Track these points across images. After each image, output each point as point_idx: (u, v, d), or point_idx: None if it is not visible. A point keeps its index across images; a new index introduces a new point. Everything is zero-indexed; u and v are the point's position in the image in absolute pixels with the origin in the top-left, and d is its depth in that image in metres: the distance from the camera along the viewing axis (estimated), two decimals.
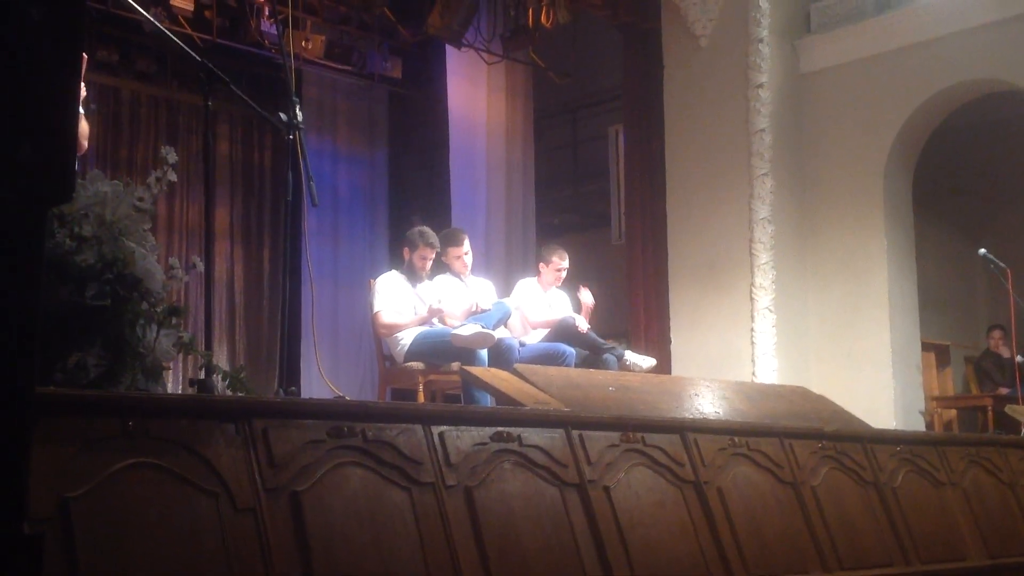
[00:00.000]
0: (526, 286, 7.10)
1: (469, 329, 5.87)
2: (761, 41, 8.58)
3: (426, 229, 6.52)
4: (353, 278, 9.90)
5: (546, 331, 6.80)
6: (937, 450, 4.56)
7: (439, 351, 6.04)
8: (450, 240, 6.63)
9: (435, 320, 6.27)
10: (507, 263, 10.27)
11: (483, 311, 6.20)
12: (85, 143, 4.24)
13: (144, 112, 9.67)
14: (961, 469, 4.59)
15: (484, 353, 5.91)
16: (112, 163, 9.17)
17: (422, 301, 6.29)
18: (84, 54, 2.56)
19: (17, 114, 1.79)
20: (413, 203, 10.70)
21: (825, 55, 8.70)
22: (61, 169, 1.94)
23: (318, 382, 7.21)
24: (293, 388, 3.32)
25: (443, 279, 6.62)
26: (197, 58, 3.24)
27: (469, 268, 6.70)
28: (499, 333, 6.22)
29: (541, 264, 7.15)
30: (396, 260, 6.80)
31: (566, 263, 7.03)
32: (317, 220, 9.71)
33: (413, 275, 6.38)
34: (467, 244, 6.67)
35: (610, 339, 6.85)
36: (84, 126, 4.42)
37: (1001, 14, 7.81)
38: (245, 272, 10.20)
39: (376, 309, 6.26)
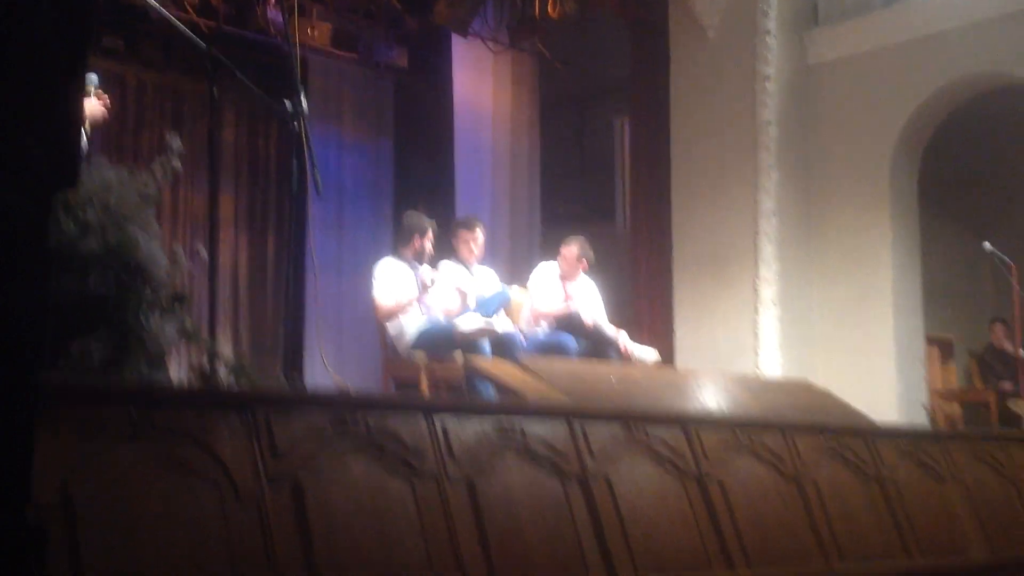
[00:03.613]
0: (541, 270, 7.03)
1: (471, 321, 5.88)
2: (768, 33, 8.56)
3: (420, 213, 6.61)
4: (357, 267, 9.86)
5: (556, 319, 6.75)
6: (940, 445, 4.55)
7: (442, 342, 6.05)
8: (465, 224, 6.68)
9: (440, 315, 6.28)
10: (512, 253, 10.27)
11: (465, 295, 6.25)
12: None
13: (149, 99, 9.64)
14: (964, 464, 4.58)
15: (486, 344, 5.91)
16: (117, 150, 9.15)
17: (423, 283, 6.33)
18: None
19: (23, 101, 1.79)
20: (418, 192, 10.67)
21: (832, 47, 8.67)
22: (66, 155, 1.94)
23: (321, 371, 7.21)
24: (295, 372, 3.32)
25: (447, 265, 6.62)
26: (203, 45, 3.23)
27: (475, 255, 6.69)
28: (501, 321, 6.23)
29: None
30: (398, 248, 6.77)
31: (568, 250, 6.92)
32: (321, 209, 9.69)
33: (415, 259, 6.39)
34: (480, 232, 6.67)
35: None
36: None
37: (1010, 7, 7.78)
38: (249, 260, 10.18)
39: (374, 294, 6.27)
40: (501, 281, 6.92)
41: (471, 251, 6.66)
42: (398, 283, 6.26)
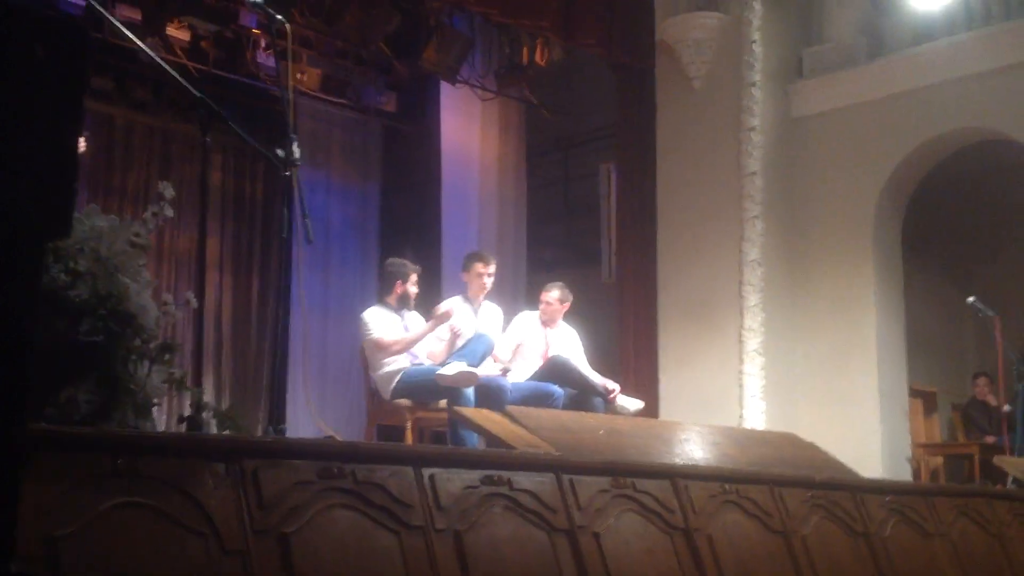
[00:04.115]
0: (522, 319, 7.03)
1: (453, 368, 5.83)
2: (754, 85, 8.65)
3: (401, 259, 6.59)
4: (343, 311, 9.85)
5: (531, 365, 6.72)
6: (926, 500, 4.55)
7: (425, 389, 6.01)
8: (479, 256, 6.69)
9: (425, 360, 6.26)
10: (497, 298, 10.23)
11: (458, 334, 6.22)
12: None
13: (138, 140, 9.63)
14: (950, 520, 4.58)
15: (470, 391, 5.87)
16: (105, 191, 9.14)
17: (409, 331, 6.31)
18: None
19: (18, 149, 1.78)
20: (404, 236, 10.68)
21: (817, 100, 8.77)
22: (59, 204, 1.93)
23: (305, 417, 7.16)
24: (282, 426, 3.29)
25: (455, 302, 6.60)
26: (196, 93, 3.23)
27: (488, 289, 6.70)
28: (486, 367, 6.19)
29: None
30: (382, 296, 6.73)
31: (551, 296, 6.93)
32: (308, 251, 9.63)
33: (401, 305, 6.39)
34: (494, 266, 6.68)
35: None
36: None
37: (992, 64, 7.89)
38: (234, 303, 10.14)
39: (376, 336, 6.20)
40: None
41: (484, 285, 6.65)
42: (389, 328, 6.25)
